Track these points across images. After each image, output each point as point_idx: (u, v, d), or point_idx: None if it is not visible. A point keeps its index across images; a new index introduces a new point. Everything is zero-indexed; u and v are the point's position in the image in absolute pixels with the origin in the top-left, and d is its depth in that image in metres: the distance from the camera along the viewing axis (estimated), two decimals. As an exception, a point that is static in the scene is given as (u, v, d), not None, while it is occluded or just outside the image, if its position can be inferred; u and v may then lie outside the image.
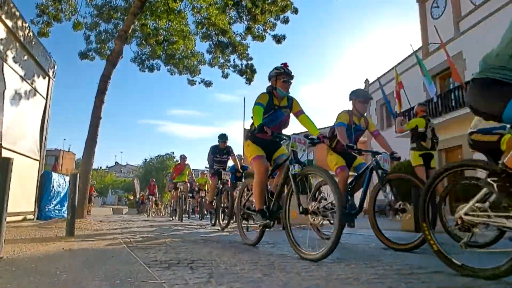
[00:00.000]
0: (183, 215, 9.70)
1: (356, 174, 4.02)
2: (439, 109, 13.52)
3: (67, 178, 8.92)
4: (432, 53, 15.41)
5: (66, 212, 5.69)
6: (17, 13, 6.27)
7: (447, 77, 14.78)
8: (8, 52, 6.07)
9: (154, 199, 16.85)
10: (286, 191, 3.13)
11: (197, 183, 12.30)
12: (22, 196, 6.65)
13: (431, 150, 6.09)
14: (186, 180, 10.31)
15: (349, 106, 4.40)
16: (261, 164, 3.30)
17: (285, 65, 3.52)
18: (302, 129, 3.66)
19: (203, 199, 11.29)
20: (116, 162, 77.07)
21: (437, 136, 6.20)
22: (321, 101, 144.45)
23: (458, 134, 13.16)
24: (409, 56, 16.72)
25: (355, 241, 4.22)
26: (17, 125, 6.46)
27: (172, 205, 11.92)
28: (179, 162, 10.86)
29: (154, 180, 18.91)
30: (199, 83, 10.95)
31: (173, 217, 10.87)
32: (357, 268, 2.19)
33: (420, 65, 12.99)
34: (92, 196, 22.41)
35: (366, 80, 22.00)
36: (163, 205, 23.71)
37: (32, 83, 7.16)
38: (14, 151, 6.01)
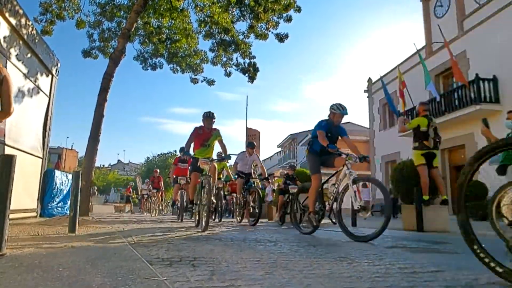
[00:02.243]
0: (211, 217, 5.90)
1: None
2: (442, 109, 13.47)
3: (70, 176, 8.95)
4: (436, 52, 15.35)
5: (68, 209, 5.71)
6: (21, 11, 6.29)
7: (451, 76, 14.72)
8: (12, 50, 6.10)
9: (160, 193, 14.16)
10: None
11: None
12: (25, 193, 6.68)
13: (434, 150, 6.07)
14: (213, 157, 6.00)
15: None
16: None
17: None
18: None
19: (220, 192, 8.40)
20: (118, 160, 77.31)
21: (440, 135, 6.18)
22: (326, 99, 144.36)
23: (461, 134, 13.13)
24: (413, 55, 16.67)
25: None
26: (20, 123, 6.48)
27: (179, 199, 8.49)
28: (202, 125, 5.88)
29: (158, 171, 15.39)
30: (202, 81, 10.98)
31: (179, 218, 8.33)
32: (360, 267, 2.18)
33: (422, 64, 12.97)
34: (130, 196, 21.93)
35: (369, 79, 21.94)
36: (165, 203, 23.57)
37: (35, 81, 7.19)
38: (17, 149, 6.04)
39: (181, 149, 8.63)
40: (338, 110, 4.71)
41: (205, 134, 5.81)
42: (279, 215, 7.88)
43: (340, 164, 4.44)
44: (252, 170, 7.83)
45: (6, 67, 5.83)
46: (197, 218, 5.63)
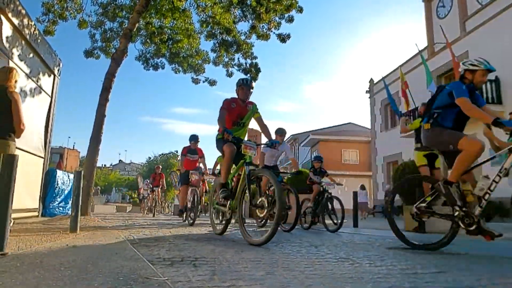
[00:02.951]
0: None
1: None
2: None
3: (72, 176, 8.96)
4: (438, 52, 15.31)
5: (70, 209, 5.72)
6: (23, 11, 6.30)
7: (453, 77, 14.69)
8: (14, 50, 6.11)
9: (160, 192, 13.23)
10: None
11: (218, 163, 7.59)
12: (26, 193, 6.69)
13: (436, 151, 6.04)
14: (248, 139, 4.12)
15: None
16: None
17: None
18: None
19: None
20: (120, 160, 77.49)
21: (442, 136, 6.15)
22: (327, 100, 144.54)
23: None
24: (415, 55, 16.64)
25: (359, 240, 4.20)
26: (22, 123, 6.49)
27: (190, 199, 7.04)
28: (237, 96, 4.31)
29: (160, 167, 14.51)
30: (204, 81, 10.97)
31: (187, 219, 7.03)
32: (361, 267, 2.18)
33: (424, 65, 12.96)
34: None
35: (371, 80, 21.91)
36: (167, 204, 23.50)
37: (37, 81, 7.20)
38: (19, 148, 6.04)
39: (192, 138, 7.55)
40: (482, 64, 3.22)
41: (239, 109, 4.24)
42: (310, 206, 6.40)
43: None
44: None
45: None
46: (223, 221, 4.44)
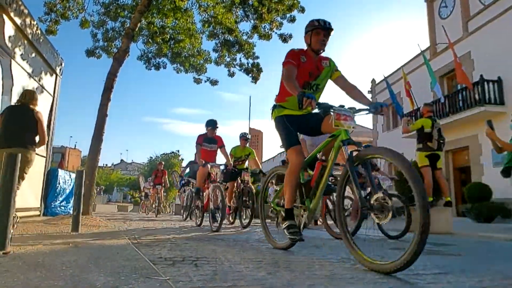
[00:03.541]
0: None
1: None
2: (446, 110, 13.42)
3: (73, 175, 8.98)
4: (440, 53, 15.28)
5: (71, 208, 5.74)
6: (26, 11, 6.32)
7: (455, 78, 14.69)
8: (16, 50, 6.13)
9: (161, 190, 12.78)
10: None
11: (233, 157, 6.66)
12: (28, 192, 6.71)
13: (438, 151, 6.03)
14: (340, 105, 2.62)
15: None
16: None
17: None
18: None
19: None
20: (121, 160, 77.76)
21: (444, 137, 6.14)
22: (328, 100, 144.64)
23: (465, 135, 13.06)
24: (417, 56, 16.61)
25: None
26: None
27: (211, 197, 5.42)
28: (307, 46, 2.84)
29: (163, 163, 14.31)
30: (205, 81, 10.97)
31: (211, 224, 5.23)
32: (362, 268, 2.17)
33: (426, 65, 12.93)
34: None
35: (373, 80, 21.88)
36: (168, 203, 23.50)
37: (39, 80, 7.22)
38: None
39: (209, 123, 6.19)
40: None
41: (312, 64, 2.81)
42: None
43: None
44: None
45: (10, 67, 5.88)
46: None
